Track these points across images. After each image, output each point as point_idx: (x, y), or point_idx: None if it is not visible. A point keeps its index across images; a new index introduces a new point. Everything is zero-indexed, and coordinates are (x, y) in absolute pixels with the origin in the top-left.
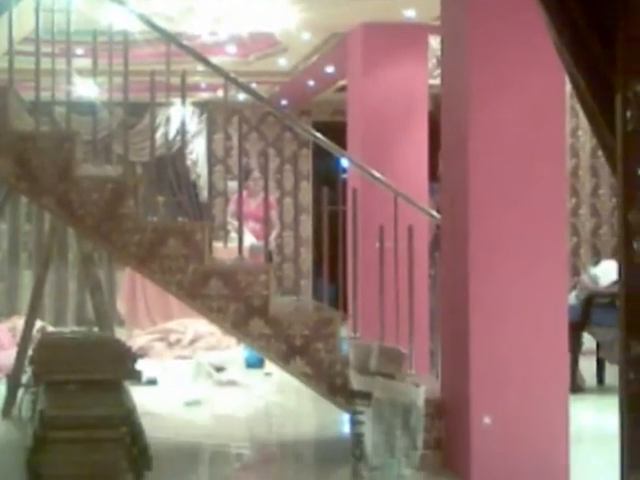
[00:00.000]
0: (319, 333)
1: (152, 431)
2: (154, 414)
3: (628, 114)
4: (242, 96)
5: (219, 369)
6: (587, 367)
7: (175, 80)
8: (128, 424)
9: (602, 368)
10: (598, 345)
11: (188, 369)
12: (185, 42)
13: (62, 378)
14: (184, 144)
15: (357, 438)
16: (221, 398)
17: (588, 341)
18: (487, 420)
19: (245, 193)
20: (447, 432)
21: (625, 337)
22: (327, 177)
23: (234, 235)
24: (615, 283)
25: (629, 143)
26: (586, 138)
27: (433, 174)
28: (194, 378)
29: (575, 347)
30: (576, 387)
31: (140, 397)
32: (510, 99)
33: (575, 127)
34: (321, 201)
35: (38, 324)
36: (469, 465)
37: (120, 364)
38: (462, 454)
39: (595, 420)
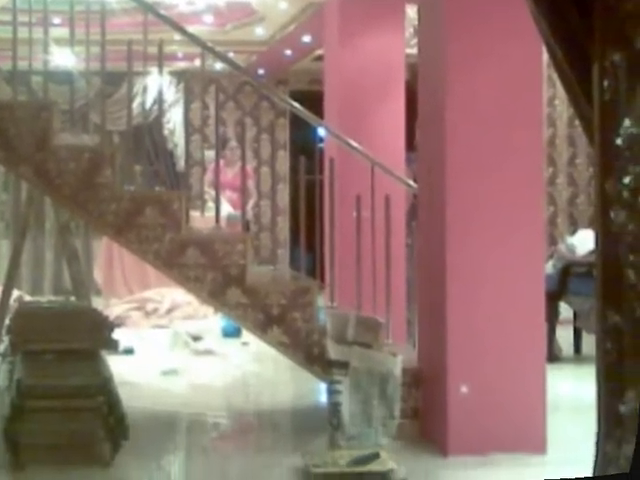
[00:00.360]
0: (296, 302)
1: (129, 400)
2: (131, 383)
3: (605, 83)
4: (219, 65)
5: (196, 338)
6: (564, 336)
7: (152, 49)
8: (105, 393)
9: (579, 337)
10: (575, 314)
11: (165, 338)
12: (162, 11)
13: (39, 347)
14: (161, 113)
15: (334, 407)
16: (198, 367)
17: (565, 310)
18: (464, 389)
19: (222, 162)
20: (424, 401)
21: (602, 307)
22: (304, 146)
23: (211, 204)
24: (592, 252)
25: (606, 112)
26: (563, 107)
27: (410, 143)
28: (171, 347)
29: (552, 316)
30: (553, 356)
31: (117, 366)
32: (487, 68)
33: (552, 96)
34: (298, 170)
35: (15, 293)
36: (446, 434)
37: (97, 333)
38: (439, 423)
39: (572, 389)
